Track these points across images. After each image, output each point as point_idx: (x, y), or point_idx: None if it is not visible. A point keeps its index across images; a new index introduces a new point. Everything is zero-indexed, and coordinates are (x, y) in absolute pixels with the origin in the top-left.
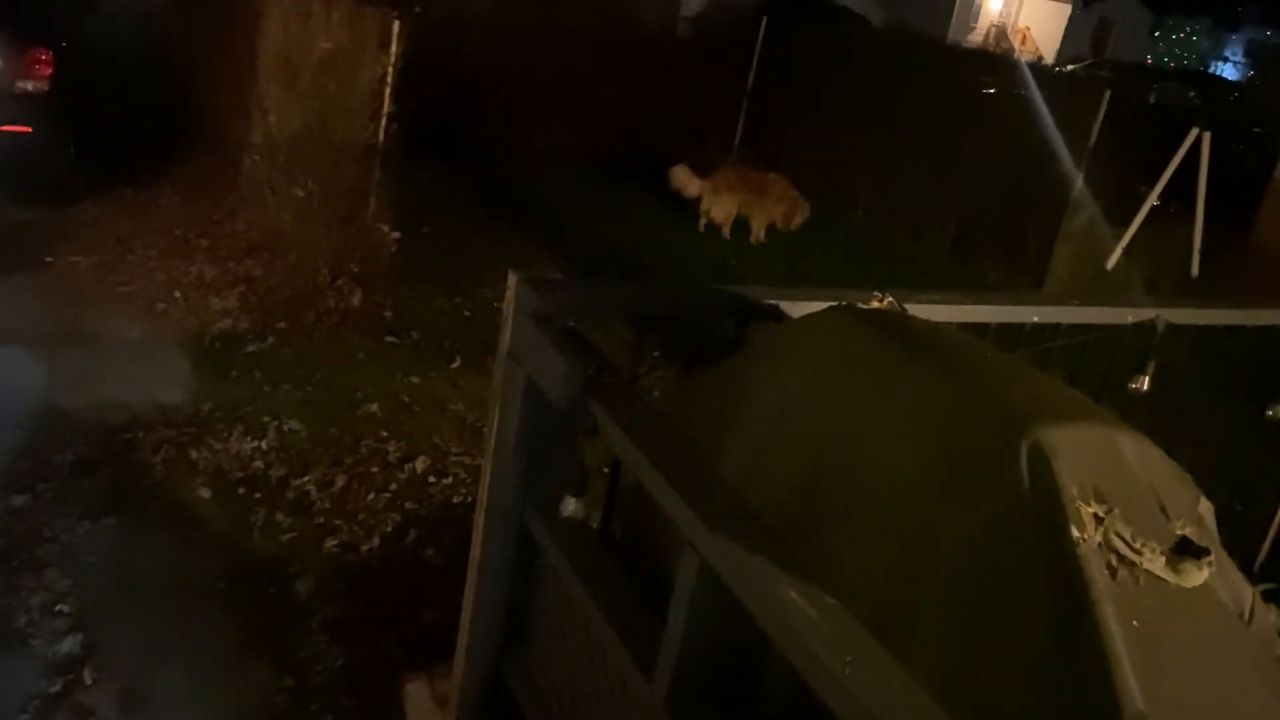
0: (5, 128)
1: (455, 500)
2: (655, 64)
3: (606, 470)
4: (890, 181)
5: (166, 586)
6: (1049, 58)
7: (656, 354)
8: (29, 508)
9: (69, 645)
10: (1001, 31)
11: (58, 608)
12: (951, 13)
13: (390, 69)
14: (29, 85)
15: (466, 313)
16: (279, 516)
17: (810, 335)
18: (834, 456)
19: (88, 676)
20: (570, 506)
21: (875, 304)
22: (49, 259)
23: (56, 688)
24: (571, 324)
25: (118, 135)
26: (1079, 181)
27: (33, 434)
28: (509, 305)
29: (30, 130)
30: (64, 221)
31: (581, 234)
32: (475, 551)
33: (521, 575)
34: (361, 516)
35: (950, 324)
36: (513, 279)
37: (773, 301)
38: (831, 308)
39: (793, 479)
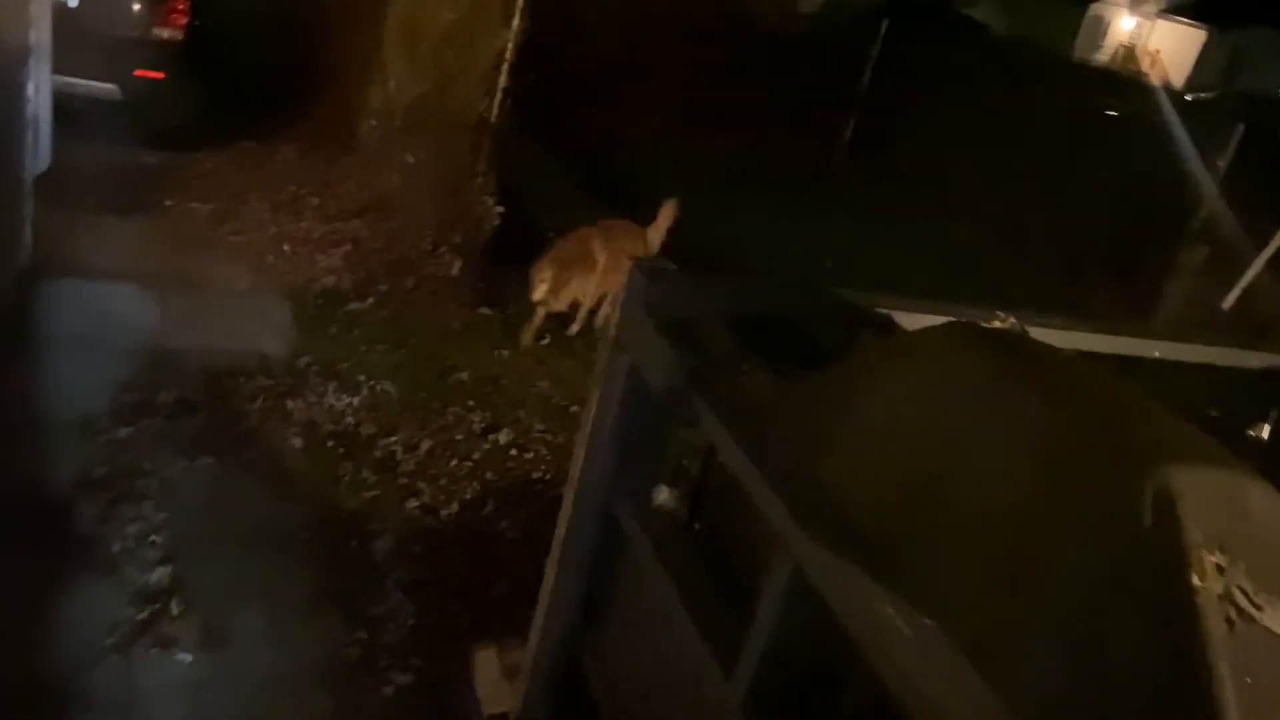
0: (140, 72)
1: (535, 476)
2: (768, 60)
3: (684, 463)
4: (1001, 198)
5: (253, 530)
6: (1178, 83)
7: (758, 353)
8: (132, 440)
9: (158, 576)
10: (1130, 53)
11: (151, 539)
12: (1079, 30)
13: (510, 44)
14: (165, 33)
15: None
16: (365, 473)
17: (926, 350)
18: (941, 476)
19: (174, 608)
20: (663, 496)
21: (997, 324)
22: (169, 203)
23: (144, 615)
24: (680, 315)
25: (243, 87)
26: (1201, 215)
27: (141, 371)
28: (620, 291)
29: (163, 77)
30: (185, 168)
31: (684, 227)
32: (560, 530)
33: (604, 559)
34: (443, 482)
35: (1072, 351)
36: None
37: (885, 311)
38: (951, 323)
39: (893, 493)
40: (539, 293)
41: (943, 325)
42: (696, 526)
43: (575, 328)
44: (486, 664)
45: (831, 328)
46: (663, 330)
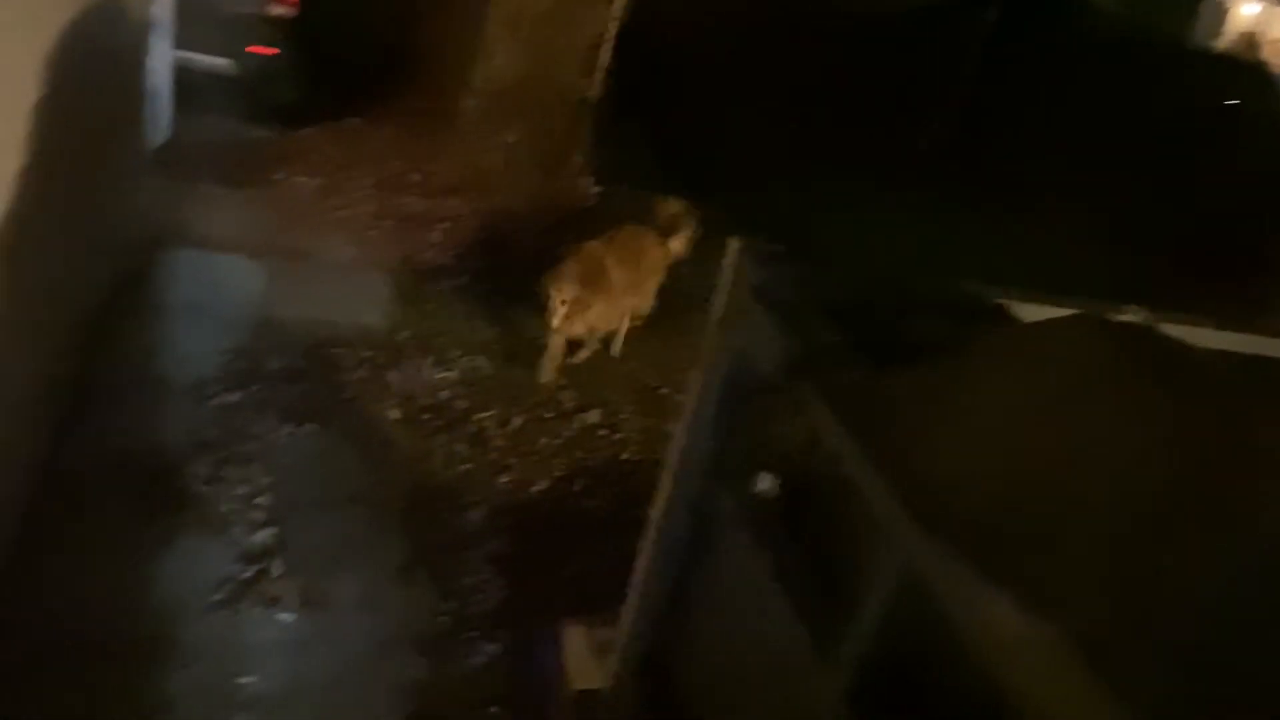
0: (254, 49)
1: (623, 457)
2: (869, 44)
3: (786, 450)
4: (1113, 189)
5: (352, 496)
6: None
7: (864, 342)
8: (241, 405)
9: (263, 537)
10: (1252, 40)
11: (256, 501)
12: (1198, 15)
13: (611, 24)
14: (280, 9)
15: None
16: (459, 447)
17: (1049, 342)
18: (1063, 473)
19: (276, 568)
20: (765, 483)
21: (1127, 317)
22: (277, 177)
23: (248, 574)
24: (787, 301)
25: (351, 63)
26: None
27: (249, 338)
28: (726, 273)
29: (276, 53)
30: (293, 143)
31: (779, 214)
32: (656, 512)
33: (699, 543)
34: (534, 458)
35: (1207, 349)
36: (734, 247)
37: (1000, 302)
38: (1077, 316)
39: (1008, 489)
40: (558, 317)
41: (1068, 317)
42: (796, 515)
43: (584, 354)
44: (576, 640)
45: (940, 319)
46: (771, 315)
